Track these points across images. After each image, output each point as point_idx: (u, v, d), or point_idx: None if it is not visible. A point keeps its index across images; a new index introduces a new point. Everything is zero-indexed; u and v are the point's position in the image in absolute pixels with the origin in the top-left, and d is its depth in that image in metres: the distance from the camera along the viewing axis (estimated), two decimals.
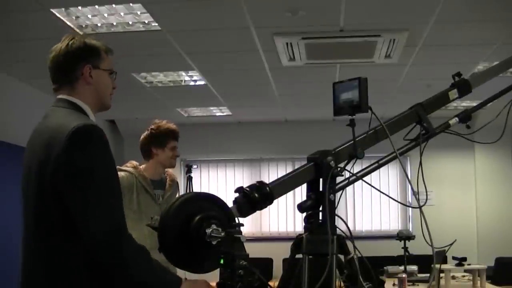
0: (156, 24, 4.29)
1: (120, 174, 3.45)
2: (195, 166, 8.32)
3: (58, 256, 1.81)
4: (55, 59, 1.98)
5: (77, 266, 1.80)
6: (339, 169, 2.01)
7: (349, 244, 2.01)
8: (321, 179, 1.99)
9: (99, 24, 4.31)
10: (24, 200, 1.90)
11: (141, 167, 3.62)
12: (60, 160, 1.75)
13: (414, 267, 5.22)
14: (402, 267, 5.20)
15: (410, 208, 8.29)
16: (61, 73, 1.98)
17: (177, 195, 3.57)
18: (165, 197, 3.62)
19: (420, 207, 2.07)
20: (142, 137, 3.68)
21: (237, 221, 1.86)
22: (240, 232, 1.77)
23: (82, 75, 1.96)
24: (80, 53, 1.97)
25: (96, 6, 3.99)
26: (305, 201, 2.00)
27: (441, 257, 3.66)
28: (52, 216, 1.80)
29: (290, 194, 2.05)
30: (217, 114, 7.89)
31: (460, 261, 5.16)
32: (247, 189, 1.88)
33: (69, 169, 1.75)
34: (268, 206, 1.90)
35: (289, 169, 7.12)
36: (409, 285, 4.68)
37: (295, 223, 8.22)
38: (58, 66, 1.98)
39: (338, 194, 2.01)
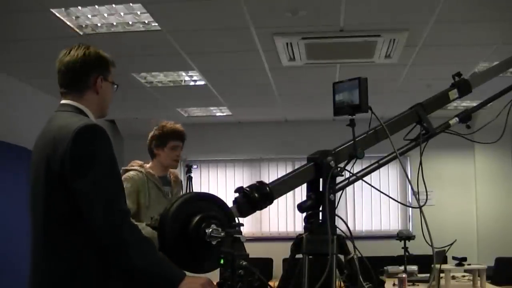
0: (156, 24, 4.29)
1: (130, 173, 3.47)
2: (195, 166, 8.30)
3: (66, 245, 1.89)
4: (71, 66, 2.05)
5: (85, 255, 1.88)
6: (339, 169, 2.01)
7: (349, 244, 2.01)
8: (321, 179, 1.99)
9: (99, 24, 4.30)
10: (33, 197, 1.99)
11: (145, 165, 3.62)
12: (66, 153, 1.86)
13: (414, 267, 5.22)
14: (402, 267, 5.20)
15: (410, 208, 8.29)
16: (74, 80, 2.07)
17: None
18: (172, 193, 3.63)
19: (420, 207, 2.07)
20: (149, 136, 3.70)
21: (237, 221, 1.86)
22: (240, 232, 1.77)
23: (95, 85, 2.07)
24: (96, 64, 2.08)
25: (96, 6, 3.99)
26: (305, 201, 2.00)
27: (441, 257, 3.66)
28: (60, 207, 1.89)
29: (290, 194, 2.05)
30: (217, 114, 7.89)
31: (460, 261, 5.15)
32: (247, 189, 1.88)
33: (75, 160, 1.86)
34: (268, 206, 1.90)
35: (289, 169, 7.11)
36: (409, 285, 4.67)
37: (295, 223, 8.22)
38: (73, 73, 2.06)
39: (338, 194, 2.01)
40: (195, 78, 6.00)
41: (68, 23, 4.20)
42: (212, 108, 7.61)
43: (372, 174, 2.16)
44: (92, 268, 1.89)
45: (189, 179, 7.83)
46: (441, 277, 4.76)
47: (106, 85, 2.11)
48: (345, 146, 2.07)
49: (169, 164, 3.63)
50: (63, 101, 2.08)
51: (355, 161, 2.06)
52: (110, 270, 1.91)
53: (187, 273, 1.88)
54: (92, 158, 1.87)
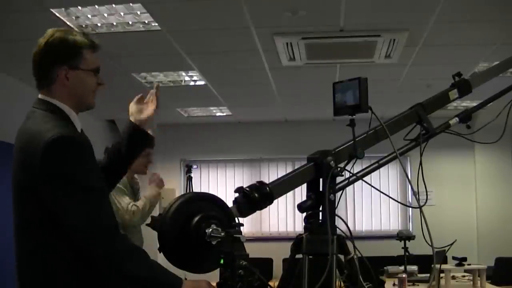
0: (156, 24, 4.29)
1: None
2: (195, 166, 8.32)
3: (42, 249, 1.82)
4: (35, 58, 1.91)
5: (63, 259, 1.81)
6: (339, 169, 2.01)
7: (349, 244, 2.01)
8: (321, 179, 1.99)
9: (99, 24, 4.30)
10: (12, 195, 1.92)
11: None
12: (36, 168, 1.76)
13: (414, 267, 5.22)
14: (402, 267, 5.20)
15: (410, 208, 8.29)
16: (38, 74, 1.94)
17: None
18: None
19: (420, 207, 2.07)
20: None
21: (237, 221, 1.86)
22: (240, 232, 1.77)
23: (58, 77, 1.90)
24: (57, 54, 1.89)
25: (96, 6, 3.99)
26: (305, 201, 2.00)
27: (441, 257, 3.65)
28: (32, 213, 1.82)
29: (290, 194, 2.04)
30: (217, 114, 7.89)
31: (460, 261, 5.15)
32: (247, 189, 1.88)
33: (46, 176, 1.76)
34: (268, 206, 1.90)
35: (289, 169, 7.10)
36: (409, 285, 4.67)
37: (295, 223, 8.22)
38: (36, 65, 1.93)
39: (338, 194, 2.01)
40: (195, 78, 6.00)
41: (68, 23, 4.20)
42: (212, 108, 7.61)
43: (372, 174, 2.16)
44: (71, 271, 1.82)
45: (189, 179, 7.84)
46: (441, 277, 4.76)
47: (77, 74, 1.89)
48: (345, 146, 2.07)
49: (141, 171, 3.76)
50: (39, 96, 1.96)
51: (355, 161, 2.06)
52: (92, 274, 1.83)
53: (186, 272, 1.88)
54: (63, 173, 1.76)
